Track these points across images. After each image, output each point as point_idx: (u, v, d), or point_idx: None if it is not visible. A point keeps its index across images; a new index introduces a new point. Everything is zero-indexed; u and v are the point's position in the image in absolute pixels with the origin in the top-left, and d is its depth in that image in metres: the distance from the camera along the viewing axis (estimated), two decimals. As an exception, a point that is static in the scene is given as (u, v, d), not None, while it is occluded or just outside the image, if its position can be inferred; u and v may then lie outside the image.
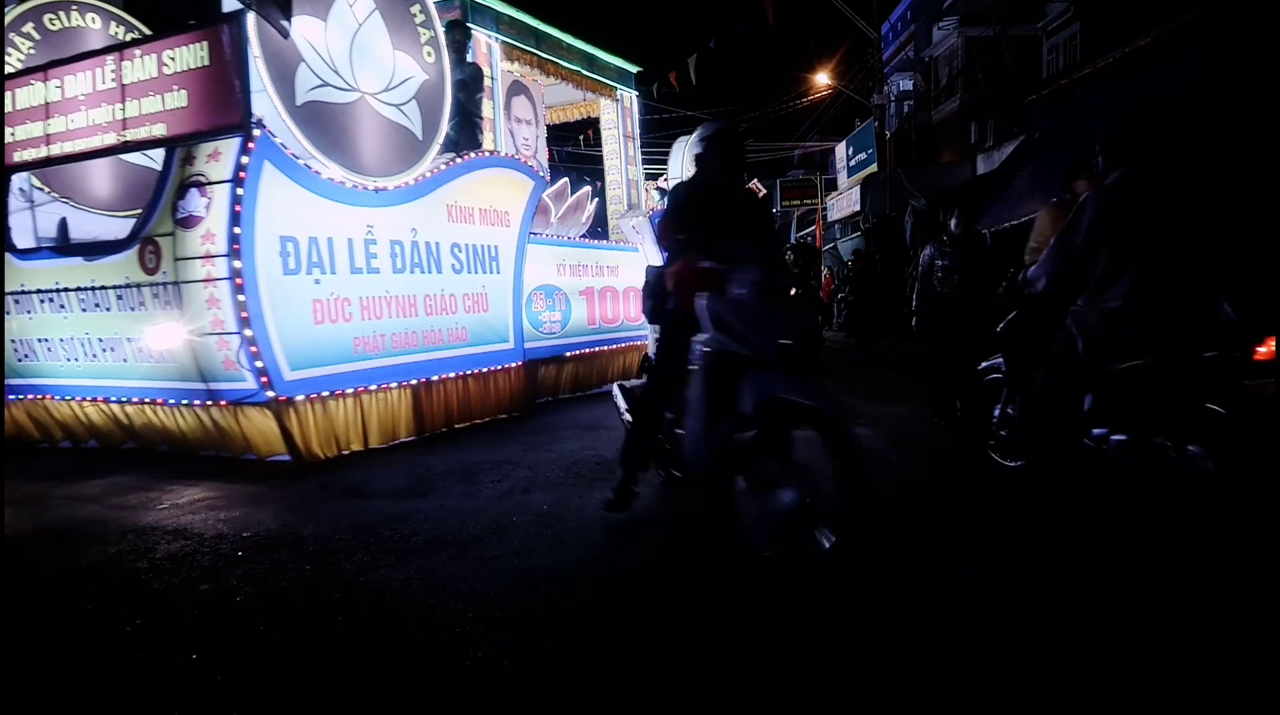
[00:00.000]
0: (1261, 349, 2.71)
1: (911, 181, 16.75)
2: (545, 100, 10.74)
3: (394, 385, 5.46)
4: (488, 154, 6.56)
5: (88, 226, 6.66)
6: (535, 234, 7.65)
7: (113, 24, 7.12)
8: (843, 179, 22.83)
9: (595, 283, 8.64)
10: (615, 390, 4.06)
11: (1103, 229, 3.00)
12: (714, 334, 2.93)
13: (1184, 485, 2.89)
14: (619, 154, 10.11)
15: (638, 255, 9.67)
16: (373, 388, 5.29)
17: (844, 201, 22.03)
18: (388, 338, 5.41)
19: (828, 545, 2.69)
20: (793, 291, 3.13)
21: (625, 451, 3.60)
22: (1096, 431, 3.16)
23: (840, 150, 23.10)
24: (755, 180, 19.46)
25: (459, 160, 6.09)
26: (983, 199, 11.63)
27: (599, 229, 10.05)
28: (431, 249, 5.81)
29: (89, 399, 5.54)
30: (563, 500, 3.88)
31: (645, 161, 19.76)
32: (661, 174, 11.39)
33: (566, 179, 8.74)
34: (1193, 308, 2.93)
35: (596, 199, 9.44)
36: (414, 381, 5.62)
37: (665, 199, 3.35)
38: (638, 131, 10.48)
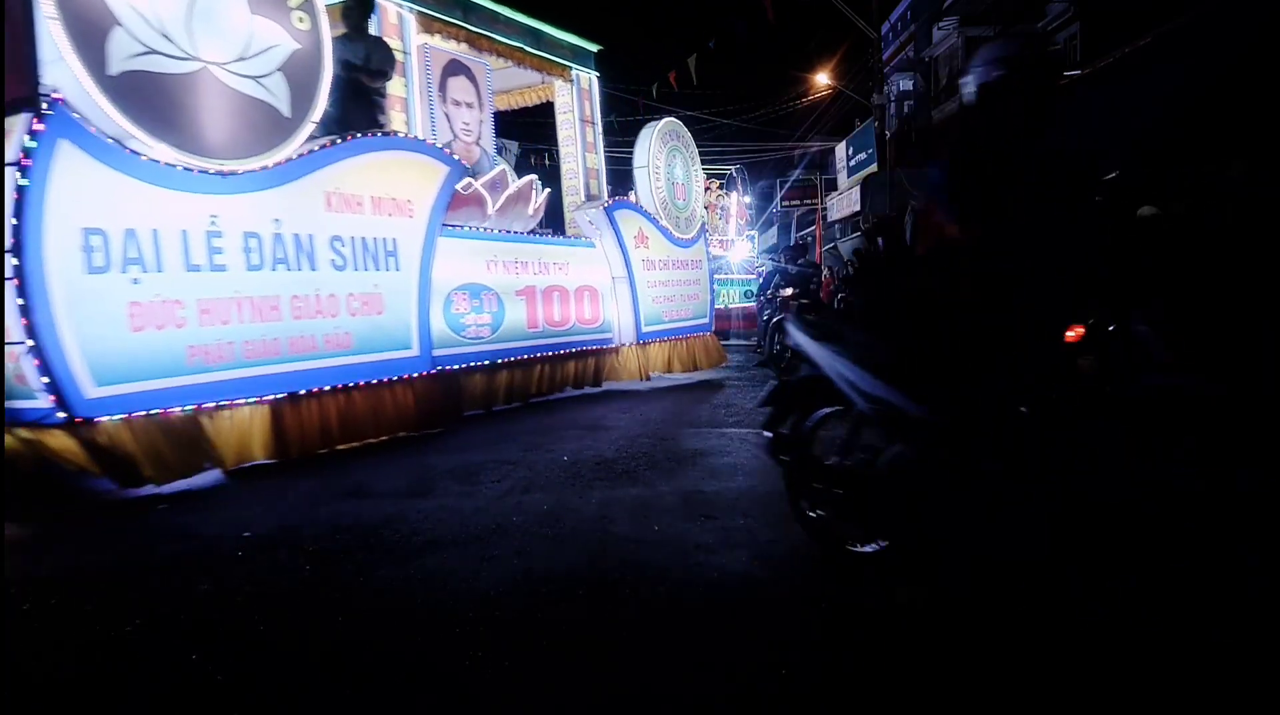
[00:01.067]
0: (1070, 333, 2.92)
1: (911, 181, 16.36)
2: (497, 83, 9.97)
3: (247, 400, 4.73)
4: (384, 134, 5.81)
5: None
6: (459, 226, 6.90)
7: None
8: (843, 179, 22.86)
9: (538, 281, 7.86)
10: (772, 446, 3.02)
11: None
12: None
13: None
14: (576, 140, 9.31)
15: (594, 251, 8.90)
16: (215, 404, 4.56)
17: (844, 201, 22.05)
18: (237, 346, 4.67)
19: None
20: None
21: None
22: None
23: (840, 150, 23.07)
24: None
25: (341, 141, 5.34)
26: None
27: (558, 224, 9.32)
28: (302, 242, 5.06)
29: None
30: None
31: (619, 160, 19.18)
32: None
33: (504, 165, 7.95)
34: None
35: (548, 190, 8.66)
36: (274, 396, 4.88)
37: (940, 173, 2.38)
38: (598, 116, 9.67)
